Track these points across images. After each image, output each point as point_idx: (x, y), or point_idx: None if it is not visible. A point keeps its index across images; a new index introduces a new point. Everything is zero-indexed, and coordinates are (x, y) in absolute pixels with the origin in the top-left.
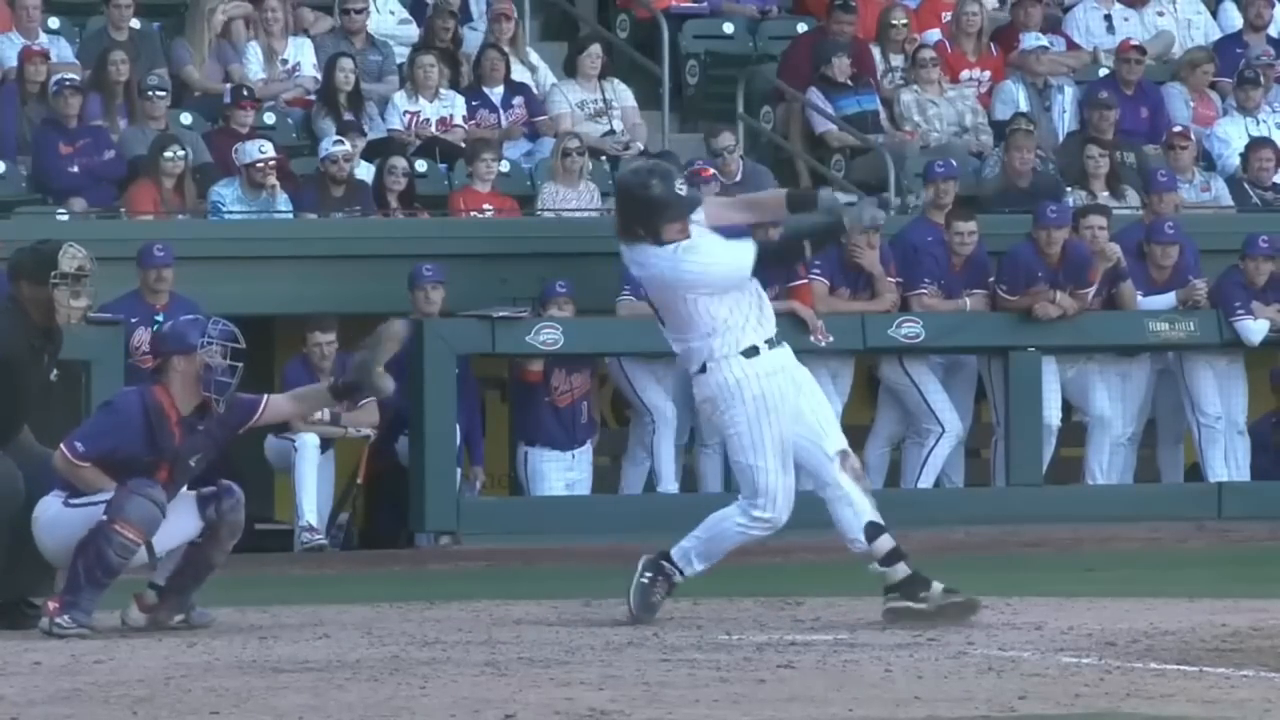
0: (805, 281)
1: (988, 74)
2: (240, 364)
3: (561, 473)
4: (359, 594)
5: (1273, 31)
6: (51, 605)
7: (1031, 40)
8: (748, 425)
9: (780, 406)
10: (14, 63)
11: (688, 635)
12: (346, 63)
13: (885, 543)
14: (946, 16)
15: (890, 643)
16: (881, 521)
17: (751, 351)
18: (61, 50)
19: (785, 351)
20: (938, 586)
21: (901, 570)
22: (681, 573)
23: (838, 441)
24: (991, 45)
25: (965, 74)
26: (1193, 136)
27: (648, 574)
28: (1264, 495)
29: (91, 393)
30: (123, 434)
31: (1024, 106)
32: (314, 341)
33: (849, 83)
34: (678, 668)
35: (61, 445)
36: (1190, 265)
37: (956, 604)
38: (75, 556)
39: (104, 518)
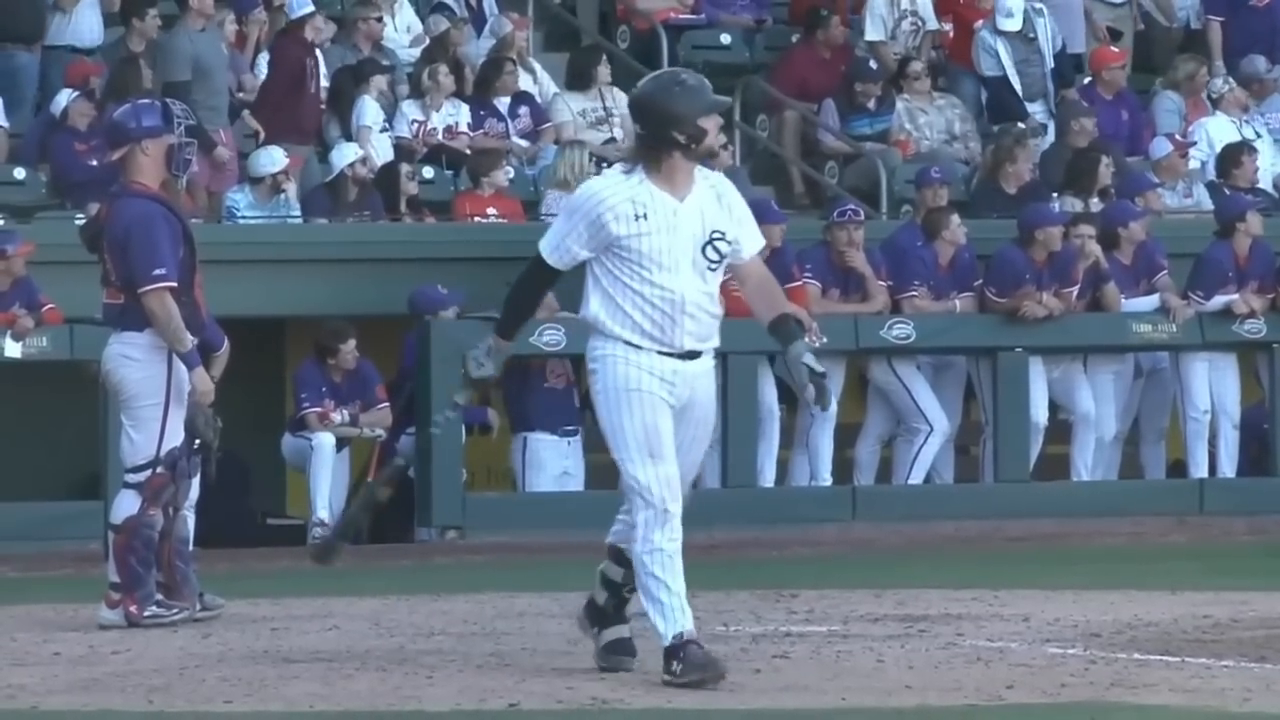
0: (800, 284)
1: None
2: (192, 143)
3: (559, 459)
4: (367, 587)
5: None
6: (132, 609)
7: None
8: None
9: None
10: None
11: None
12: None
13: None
14: None
15: (882, 634)
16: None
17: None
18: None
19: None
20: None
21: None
22: None
23: None
24: None
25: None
26: (1188, 149)
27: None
28: (1244, 491)
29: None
30: (174, 240)
31: (1007, 53)
32: (345, 352)
33: (871, 106)
34: None
35: (146, 287)
36: (1155, 247)
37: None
38: (125, 555)
39: (133, 513)
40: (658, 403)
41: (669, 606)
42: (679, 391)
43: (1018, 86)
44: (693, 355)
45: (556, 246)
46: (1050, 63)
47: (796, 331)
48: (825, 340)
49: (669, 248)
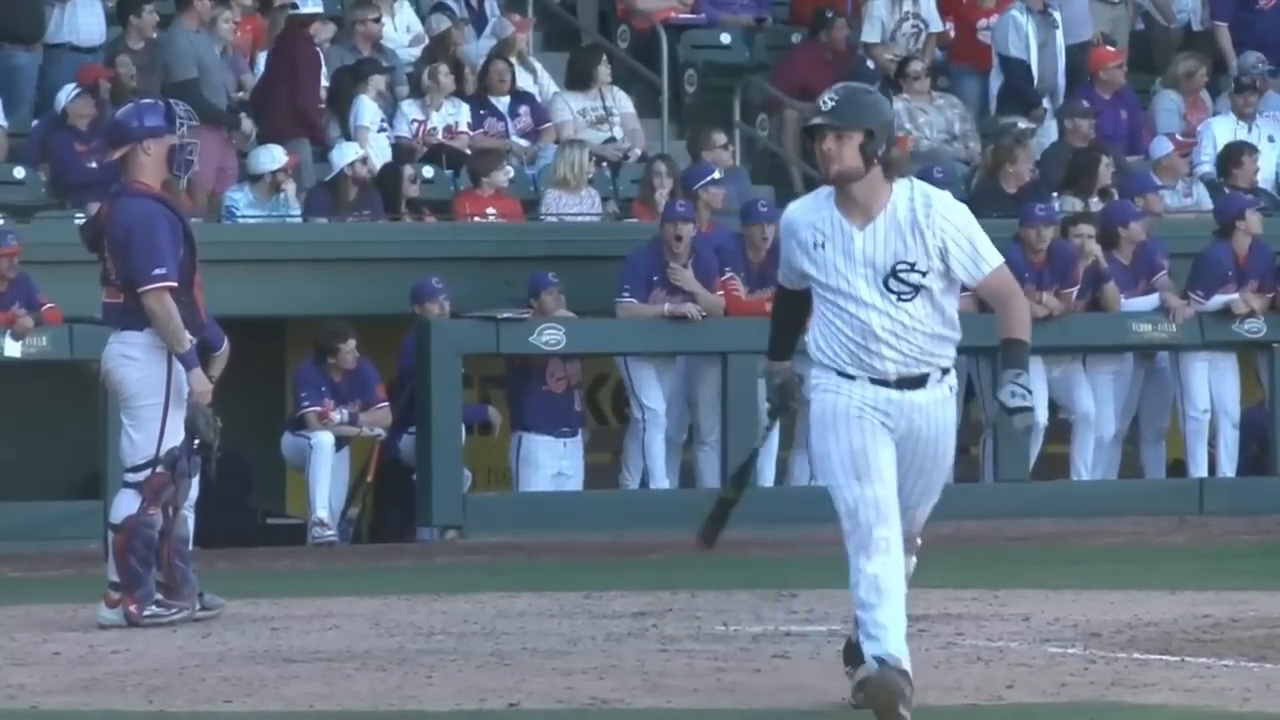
0: None
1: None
2: (194, 143)
3: (554, 460)
4: (367, 587)
5: None
6: (132, 608)
7: None
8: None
9: None
10: None
11: (686, 626)
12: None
13: None
14: None
15: None
16: None
17: None
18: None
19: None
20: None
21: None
22: None
23: None
24: None
25: (981, 21)
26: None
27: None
28: (1244, 491)
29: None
30: (175, 240)
31: (1033, 36)
32: (345, 352)
33: None
34: (676, 658)
35: (146, 287)
36: (1155, 247)
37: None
38: (126, 555)
39: (133, 512)
40: (867, 425)
41: (870, 627)
42: (895, 421)
43: (1035, 73)
44: (909, 383)
45: (780, 266)
46: (1063, 57)
47: (1008, 359)
48: None
49: (848, 277)
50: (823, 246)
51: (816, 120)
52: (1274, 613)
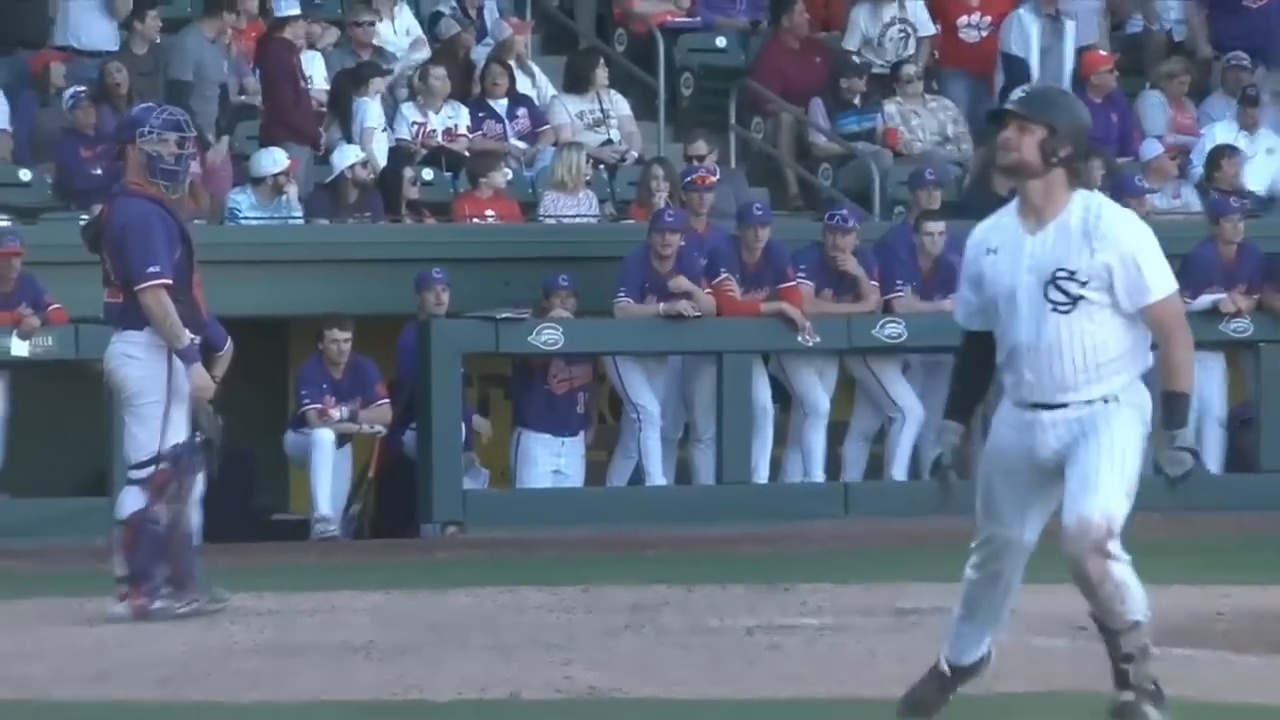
0: (794, 284)
1: (988, 18)
2: (189, 153)
3: (550, 458)
4: (370, 581)
5: None
6: (140, 602)
7: None
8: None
9: None
10: None
11: (682, 619)
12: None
13: None
14: None
15: (874, 627)
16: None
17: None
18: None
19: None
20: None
21: None
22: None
23: None
24: None
25: (963, 19)
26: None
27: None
28: (1228, 487)
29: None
30: (169, 239)
31: (1036, 38)
32: (331, 339)
33: (856, 103)
34: (672, 650)
35: (142, 285)
36: None
37: None
38: (133, 550)
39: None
40: (1000, 459)
41: (949, 627)
42: (1037, 445)
43: (1036, 74)
44: (1059, 405)
45: (957, 303)
46: (1070, 62)
47: (1167, 418)
48: (819, 339)
49: (1012, 286)
50: (995, 252)
51: (1005, 105)
52: (1257, 606)
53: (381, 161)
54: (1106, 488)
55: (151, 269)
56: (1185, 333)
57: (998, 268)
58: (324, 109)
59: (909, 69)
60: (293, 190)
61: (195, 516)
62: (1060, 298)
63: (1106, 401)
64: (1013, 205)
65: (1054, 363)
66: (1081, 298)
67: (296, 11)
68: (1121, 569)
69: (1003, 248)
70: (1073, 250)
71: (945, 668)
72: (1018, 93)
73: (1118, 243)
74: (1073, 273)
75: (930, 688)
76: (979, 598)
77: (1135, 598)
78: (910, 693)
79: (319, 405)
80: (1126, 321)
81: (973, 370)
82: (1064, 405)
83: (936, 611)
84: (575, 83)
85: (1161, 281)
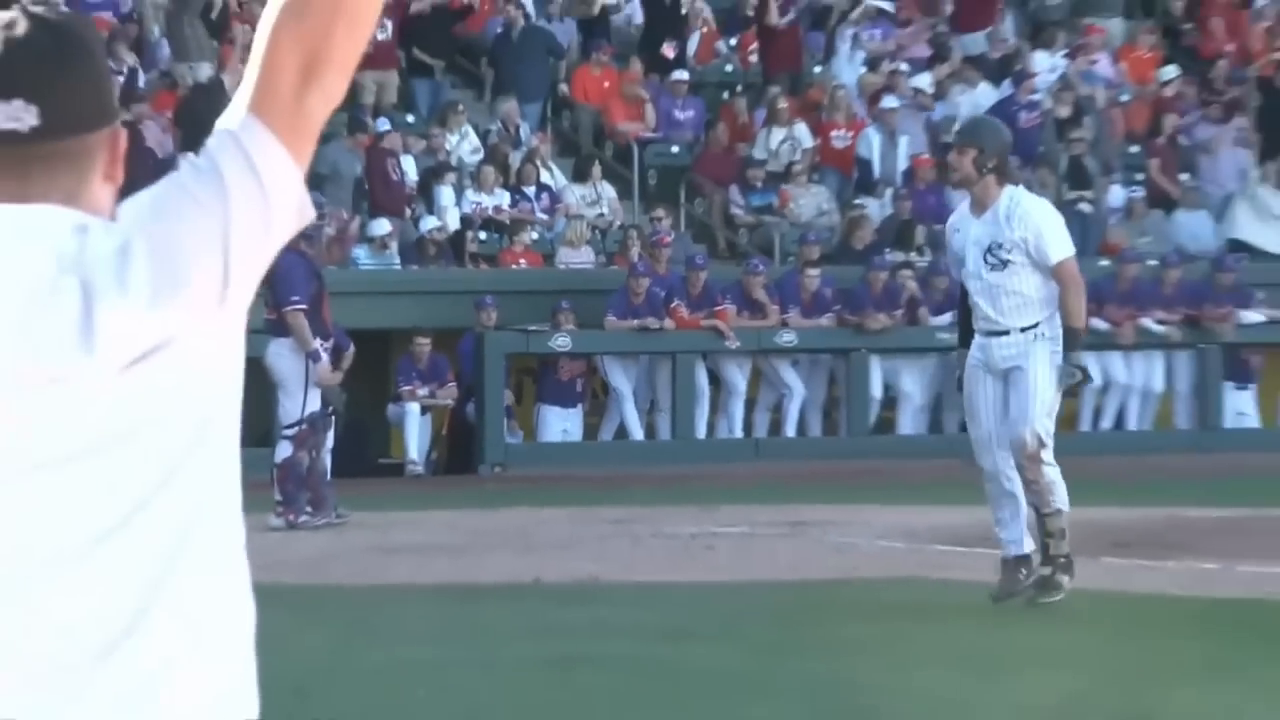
0: (723, 308)
1: (850, 133)
2: (323, 225)
3: (560, 421)
4: (443, 504)
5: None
6: (290, 517)
7: (890, 102)
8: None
9: None
10: None
11: (649, 529)
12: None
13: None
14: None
15: (776, 534)
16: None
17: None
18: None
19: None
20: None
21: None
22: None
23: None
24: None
25: (834, 133)
26: None
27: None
28: None
29: None
30: (306, 276)
31: (878, 148)
32: (417, 344)
33: (758, 185)
34: (642, 549)
35: (286, 309)
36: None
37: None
38: (284, 483)
39: (288, 455)
40: (972, 374)
41: (997, 532)
42: (991, 361)
43: (878, 171)
44: (1002, 332)
45: (950, 265)
46: (904, 163)
47: (1067, 344)
48: (740, 343)
49: (964, 253)
50: (959, 231)
51: (949, 139)
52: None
53: (452, 227)
54: (1035, 415)
55: (293, 298)
56: (1079, 284)
57: (959, 241)
58: (414, 192)
59: (796, 167)
60: (394, 246)
61: (327, 460)
62: (994, 260)
63: (1034, 331)
64: (968, 200)
65: (994, 302)
66: (1009, 261)
67: (388, 128)
68: (1051, 471)
69: (961, 229)
70: (1000, 229)
71: (1011, 557)
72: (956, 124)
73: (1027, 223)
74: (1001, 244)
75: (1007, 577)
76: (996, 496)
77: (1059, 492)
78: (997, 586)
79: (410, 387)
80: (1042, 277)
81: (968, 310)
82: (1006, 332)
83: (817, 524)
84: (579, 176)
85: (1060, 248)
